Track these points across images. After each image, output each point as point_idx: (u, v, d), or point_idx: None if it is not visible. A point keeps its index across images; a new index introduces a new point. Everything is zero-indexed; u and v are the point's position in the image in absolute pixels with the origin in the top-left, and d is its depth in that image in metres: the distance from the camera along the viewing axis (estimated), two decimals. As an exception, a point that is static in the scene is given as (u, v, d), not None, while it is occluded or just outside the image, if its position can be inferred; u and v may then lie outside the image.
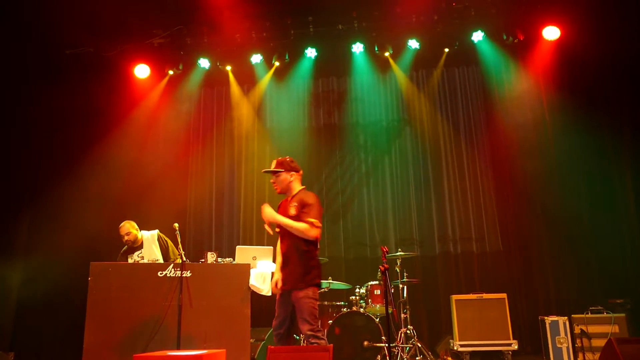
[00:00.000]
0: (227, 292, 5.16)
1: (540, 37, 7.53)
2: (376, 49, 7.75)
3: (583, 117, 7.27)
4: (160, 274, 5.27)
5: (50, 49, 7.66)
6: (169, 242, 6.10)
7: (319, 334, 3.94)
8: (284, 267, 4.14)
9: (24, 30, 7.35)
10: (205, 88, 8.48)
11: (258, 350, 5.75)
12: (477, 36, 7.63)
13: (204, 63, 8.06)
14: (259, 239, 7.58)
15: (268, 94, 8.35)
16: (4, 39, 7.30)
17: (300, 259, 4.05)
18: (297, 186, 4.23)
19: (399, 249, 6.66)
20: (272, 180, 4.25)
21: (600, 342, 5.94)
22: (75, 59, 7.82)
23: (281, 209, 4.24)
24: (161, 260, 5.81)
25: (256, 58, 7.98)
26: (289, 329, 4.14)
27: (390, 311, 4.33)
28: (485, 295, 6.47)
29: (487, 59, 7.85)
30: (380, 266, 4.31)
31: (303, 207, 4.06)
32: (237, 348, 4.90)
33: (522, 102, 7.69)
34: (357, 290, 6.37)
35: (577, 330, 6.15)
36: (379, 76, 8.21)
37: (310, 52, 7.93)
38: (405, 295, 6.40)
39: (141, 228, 6.10)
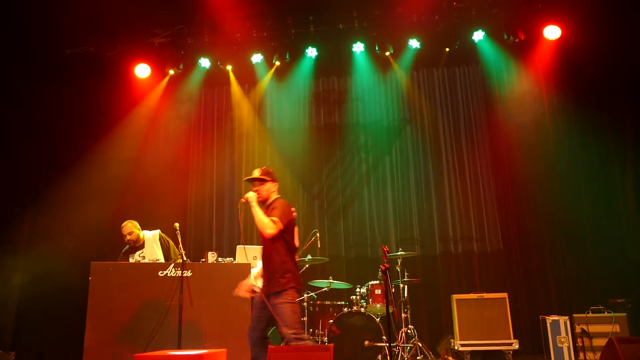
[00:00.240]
0: (227, 292, 5.14)
1: (541, 37, 7.51)
2: (377, 48, 7.72)
3: (584, 117, 7.29)
4: (161, 273, 5.29)
5: (50, 49, 7.66)
6: (170, 242, 6.10)
7: (302, 336, 4.05)
8: (263, 273, 4.33)
9: (24, 30, 7.35)
10: (205, 88, 8.47)
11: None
12: (478, 36, 7.61)
13: (204, 63, 8.04)
14: (260, 239, 7.55)
15: (269, 94, 8.35)
16: (5, 38, 7.31)
17: (274, 264, 4.22)
18: (274, 196, 4.46)
19: (400, 249, 6.68)
20: (255, 189, 4.38)
21: (601, 342, 5.92)
22: (75, 59, 7.82)
23: None
24: (162, 260, 5.81)
25: (257, 57, 7.96)
26: (263, 333, 4.24)
27: (391, 311, 4.32)
28: (486, 295, 6.46)
29: (488, 59, 7.84)
30: (381, 266, 4.31)
31: (273, 210, 4.26)
32: (237, 347, 4.90)
33: (522, 101, 7.68)
34: (358, 289, 6.36)
35: (578, 329, 6.14)
36: (379, 76, 8.21)
37: (311, 52, 7.90)
38: (406, 294, 6.39)
39: (142, 228, 6.11)
